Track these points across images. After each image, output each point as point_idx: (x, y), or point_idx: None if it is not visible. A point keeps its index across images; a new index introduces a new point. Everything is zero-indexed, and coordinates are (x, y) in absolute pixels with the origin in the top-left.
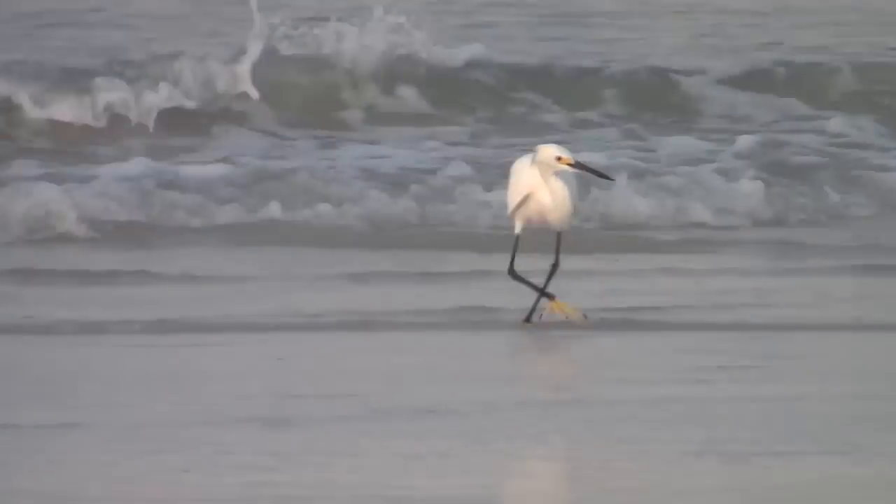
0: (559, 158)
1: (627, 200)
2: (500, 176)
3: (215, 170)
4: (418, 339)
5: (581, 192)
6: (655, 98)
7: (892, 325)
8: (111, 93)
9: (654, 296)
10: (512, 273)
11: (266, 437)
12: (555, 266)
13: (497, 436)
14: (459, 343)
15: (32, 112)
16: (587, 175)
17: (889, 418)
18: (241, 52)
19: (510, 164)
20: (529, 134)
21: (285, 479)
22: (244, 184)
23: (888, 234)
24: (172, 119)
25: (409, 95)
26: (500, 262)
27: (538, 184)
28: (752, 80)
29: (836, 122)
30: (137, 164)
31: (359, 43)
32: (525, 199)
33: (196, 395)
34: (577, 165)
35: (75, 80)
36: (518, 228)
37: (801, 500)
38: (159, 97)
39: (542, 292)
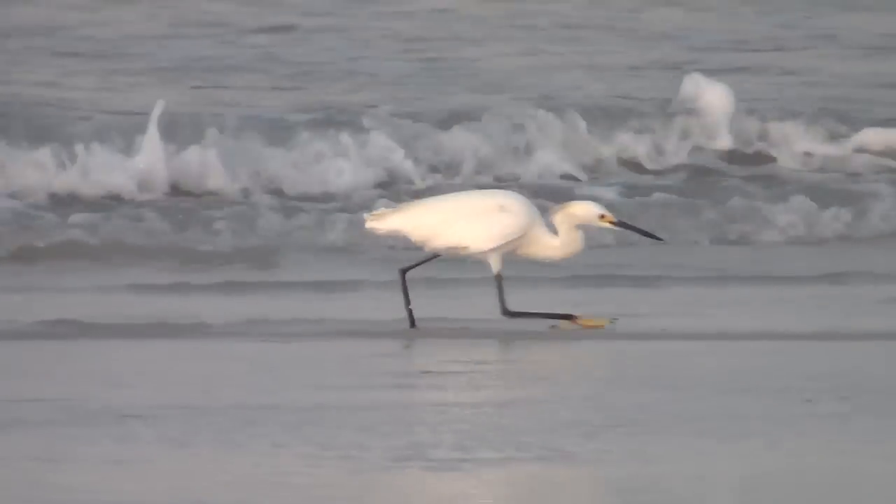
0: (602, 216)
1: None
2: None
3: None
4: (127, 346)
5: None
6: None
7: (593, 333)
8: None
9: (361, 300)
10: (508, 313)
11: None
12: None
13: (202, 441)
14: (167, 350)
15: None
16: (631, 234)
17: (593, 423)
18: None
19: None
20: None
21: None
22: None
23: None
24: None
25: None
26: (204, 275)
27: (534, 224)
28: None
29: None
30: None
31: None
32: (517, 238)
33: None
34: (619, 224)
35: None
36: (498, 266)
37: None
38: None
39: (555, 315)
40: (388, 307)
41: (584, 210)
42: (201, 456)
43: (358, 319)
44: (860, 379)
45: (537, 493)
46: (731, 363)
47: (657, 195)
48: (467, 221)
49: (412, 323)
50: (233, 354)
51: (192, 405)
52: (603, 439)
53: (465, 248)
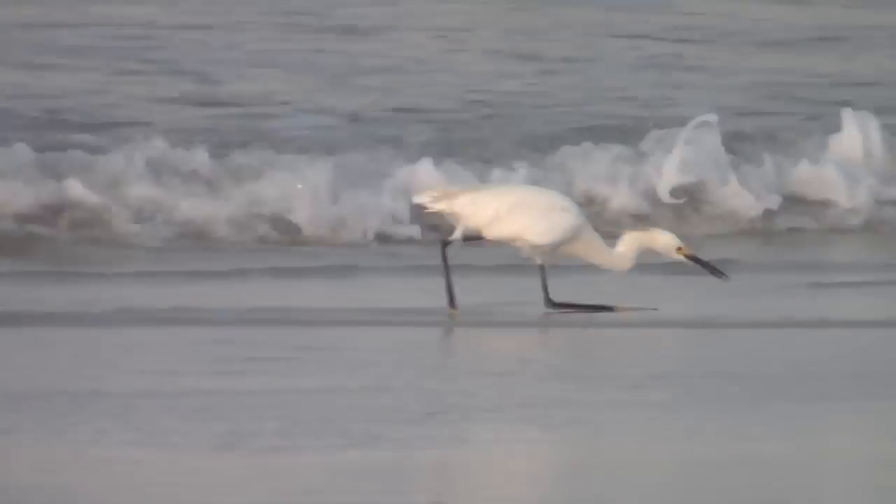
0: (679, 249)
1: None
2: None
3: None
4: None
5: None
6: None
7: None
8: None
9: (193, 287)
10: (551, 302)
11: None
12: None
13: (24, 428)
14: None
15: None
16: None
17: (415, 410)
18: None
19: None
20: None
21: None
22: None
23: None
24: None
25: None
26: (38, 263)
27: (585, 227)
28: None
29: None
30: None
31: None
32: (569, 238)
33: None
34: (691, 258)
35: None
36: (543, 260)
37: (327, 494)
38: None
39: (596, 307)
40: (219, 294)
41: (666, 241)
42: (23, 442)
43: (186, 307)
44: (686, 366)
45: (358, 480)
46: (558, 350)
47: None
48: (530, 215)
49: (451, 302)
50: (58, 341)
51: (15, 391)
52: (425, 426)
53: (523, 239)
